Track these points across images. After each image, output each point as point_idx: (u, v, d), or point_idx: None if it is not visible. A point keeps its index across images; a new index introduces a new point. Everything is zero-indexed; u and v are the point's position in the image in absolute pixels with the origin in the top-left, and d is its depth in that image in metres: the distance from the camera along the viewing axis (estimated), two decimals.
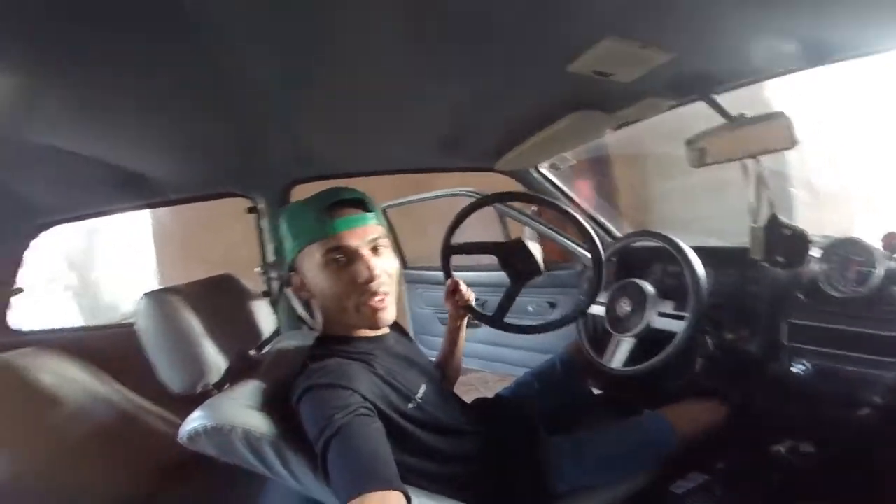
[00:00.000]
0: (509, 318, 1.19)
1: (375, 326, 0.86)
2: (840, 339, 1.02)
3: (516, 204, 1.68)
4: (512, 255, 1.12)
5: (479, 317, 1.18)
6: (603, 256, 1.06)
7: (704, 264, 1.21)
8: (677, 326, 1.17)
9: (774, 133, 0.83)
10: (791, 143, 0.82)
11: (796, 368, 1.07)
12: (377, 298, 0.83)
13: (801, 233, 0.92)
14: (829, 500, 0.90)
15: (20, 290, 1.44)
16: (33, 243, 1.43)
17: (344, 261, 0.81)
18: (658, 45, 0.69)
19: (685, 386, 1.30)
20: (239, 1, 0.55)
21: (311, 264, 0.82)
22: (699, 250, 1.23)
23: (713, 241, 1.42)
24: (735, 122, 0.86)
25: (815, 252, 1.08)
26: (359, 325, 0.86)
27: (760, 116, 0.84)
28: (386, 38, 0.68)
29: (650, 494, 1.05)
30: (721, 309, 1.24)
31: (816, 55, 0.70)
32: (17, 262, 1.42)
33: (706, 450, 1.10)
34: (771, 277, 1.16)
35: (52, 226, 1.43)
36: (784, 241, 0.93)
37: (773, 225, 0.93)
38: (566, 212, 1.13)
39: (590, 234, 1.05)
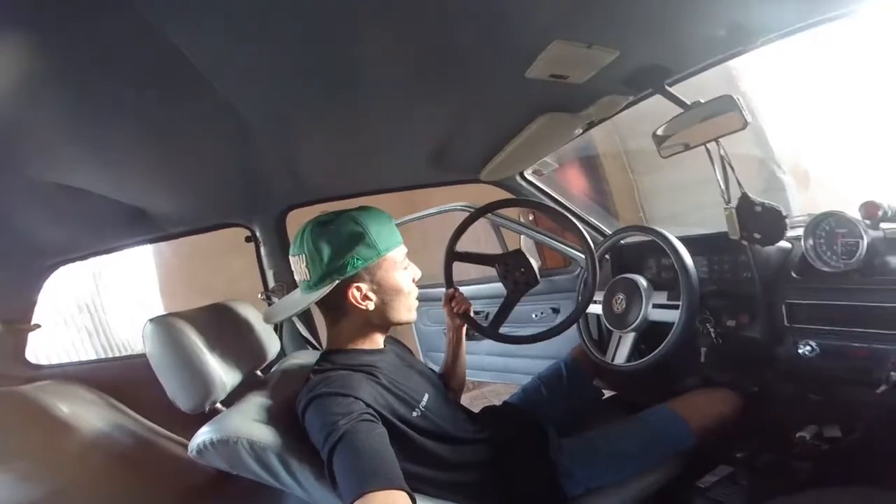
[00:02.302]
0: (511, 327, 1.20)
1: (413, 319, 0.97)
2: (840, 316, 1.01)
3: (511, 214, 1.72)
4: (510, 266, 1.15)
5: (474, 326, 1.20)
6: (594, 250, 1.09)
7: (697, 252, 1.22)
8: (674, 316, 1.18)
9: (726, 116, 0.86)
10: (742, 124, 0.85)
11: (802, 350, 1.05)
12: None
13: (773, 207, 0.94)
14: (863, 482, 0.87)
15: (38, 326, 1.51)
16: (46, 284, 1.49)
17: (406, 264, 0.94)
18: (602, 44, 0.74)
19: (695, 379, 1.29)
20: (234, 39, 0.61)
21: (392, 267, 0.90)
22: (692, 239, 1.24)
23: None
24: (689, 109, 0.90)
25: (799, 230, 1.09)
26: (406, 318, 0.95)
27: (711, 102, 0.87)
28: (372, 70, 0.76)
29: (676, 490, 1.03)
30: (717, 296, 1.24)
31: (748, 37, 0.74)
32: (31, 302, 1.49)
33: (728, 442, 1.08)
34: (762, 259, 1.16)
35: (61, 265, 1.50)
36: (758, 217, 0.95)
37: (745, 204, 0.95)
38: (557, 212, 1.16)
39: (579, 230, 1.08)
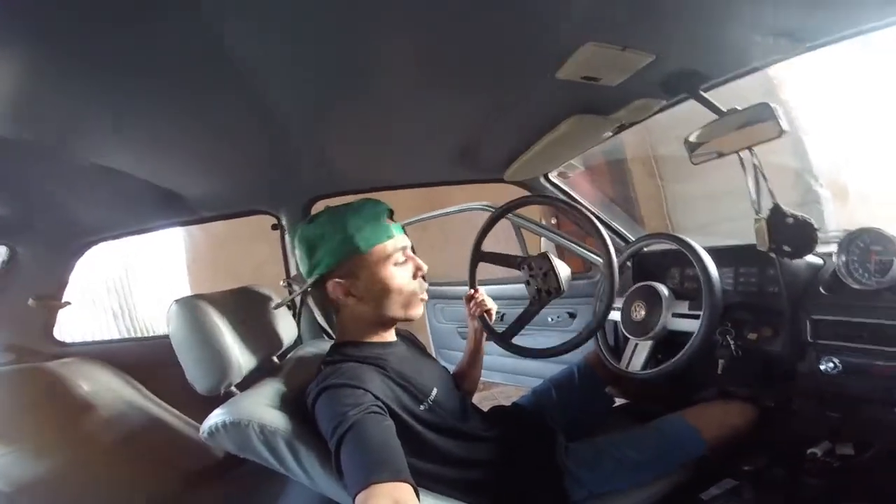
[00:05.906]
0: (526, 330, 1.19)
1: (415, 317, 0.95)
2: (867, 334, 0.97)
3: (534, 216, 1.71)
4: (534, 271, 1.12)
5: (488, 331, 1.19)
6: (614, 257, 1.06)
7: (723, 263, 1.19)
8: (694, 326, 1.15)
9: (762, 125, 0.84)
10: (778, 132, 0.82)
11: (825, 366, 1.02)
12: (423, 290, 0.95)
13: (806, 220, 0.91)
14: (871, 502, 0.85)
15: (68, 304, 1.56)
16: (78, 263, 1.55)
17: (402, 259, 0.92)
18: (636, 47, 0.73)
19: (711, 390, 1.27)
20: (269, 32, 0.63)
21: (376, 263, 0.89)
22: (719, 250, 1.21)
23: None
24: (725, 116, 0.87)
25: (832, 246, 1.05)
26: (402, 315, 0.93)
27: (747, 109, 0.85)
28: (401, 66, 0.77)
29: (679, 500, 1.02)
30: (741, 308, 1.21)
31: (793, 43, 0.72)
32: (64, 279, 1.54)
33: (739, 454, 1.06)
34: (790, 273, 1.13)
35: (95, 244, 1.55)
36: (788, 229, 0.92)
37: (776, 215, 0.92)
38: (582, 214, 1.14)
39: (602, 236, 1.06)
